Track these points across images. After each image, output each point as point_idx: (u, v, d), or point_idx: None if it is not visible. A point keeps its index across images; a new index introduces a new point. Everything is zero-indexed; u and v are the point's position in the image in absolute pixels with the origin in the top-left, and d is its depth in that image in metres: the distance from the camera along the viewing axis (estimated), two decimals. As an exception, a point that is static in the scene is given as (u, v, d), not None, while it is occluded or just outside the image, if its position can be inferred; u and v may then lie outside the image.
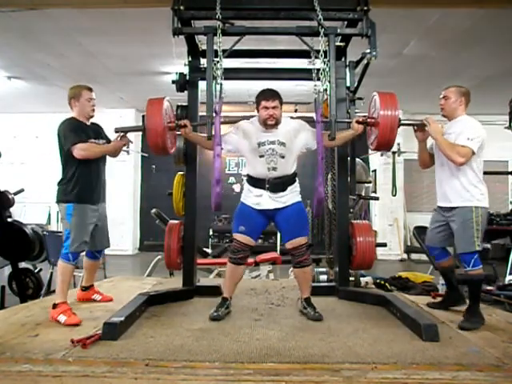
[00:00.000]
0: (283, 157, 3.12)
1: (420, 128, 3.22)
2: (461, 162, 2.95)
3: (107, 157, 3.44)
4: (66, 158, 3.18)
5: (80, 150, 3.10)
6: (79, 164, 3.16)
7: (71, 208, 3.14)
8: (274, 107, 3.08)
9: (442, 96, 3.22)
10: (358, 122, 3.21)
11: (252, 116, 3.29)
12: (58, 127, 3.21)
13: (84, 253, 3.49)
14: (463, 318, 2.98)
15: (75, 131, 3.16)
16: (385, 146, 3.21)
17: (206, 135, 3.16)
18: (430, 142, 3.32)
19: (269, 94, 3.13)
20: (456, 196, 3.06)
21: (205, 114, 3.19)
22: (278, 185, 3.15)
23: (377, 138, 3.16)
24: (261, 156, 3.13)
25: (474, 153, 2.96)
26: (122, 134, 3.30)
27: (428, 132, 3.13)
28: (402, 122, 3.16)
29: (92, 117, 3.35)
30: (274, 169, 3.12)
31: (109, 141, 3.41)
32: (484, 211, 3.03)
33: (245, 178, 3.35)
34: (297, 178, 3.27)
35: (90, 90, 3.31)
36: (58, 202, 3.22)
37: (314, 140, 3.19)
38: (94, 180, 3.27)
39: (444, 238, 3.26)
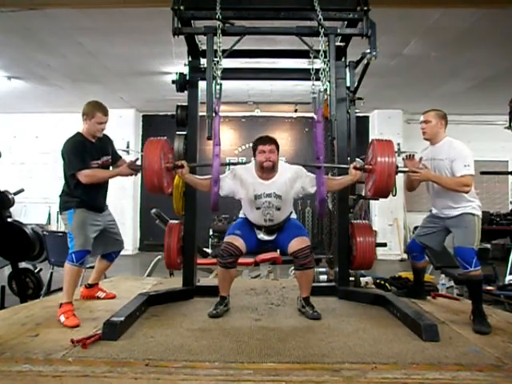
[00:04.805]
0: (279, 209, 3.22)
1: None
2: (469, 190, 3.12)
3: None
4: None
5: (84, 177, 3.16)
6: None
7: (72, 212, 3.22)
8: (270, 150, 3.14)
9: (422, 120, 3.34)
10: (356, 168, 3.20)
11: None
12: (63, 146, 3.24)
13: (99, 257, 3.59)
14: (473, 321, 2.98)
15: (80, 154, 3.18)
16: (383, 192, 3.15)
17: (203, 177, 3.23)
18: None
19: (265, 139, 3.23)
20: (454, 211, 3.20)
21: (205, 114, 3.20)
22: (274, 230, 3.31)
23: (374, 185, 3.12)
24: (257, 208, 3.23)
25: (473, 175, 3.12)
26: (133, 160, 3.30)
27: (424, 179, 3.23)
28: (400, 169, 3.16)
29: (98, 136, 3.35)
30: (271, 220, 3.25)
31: (114, 154, 3.47)
32: (480, 220, 3.20)
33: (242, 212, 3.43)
34: (292, 213, 3.38)
35: (106, 113, 3.32)
36: (61, 212, 3.30)
37: (311, 186, 3.23)
38: (96, 193, 3.33)
39: (440, 240, 3.44)
